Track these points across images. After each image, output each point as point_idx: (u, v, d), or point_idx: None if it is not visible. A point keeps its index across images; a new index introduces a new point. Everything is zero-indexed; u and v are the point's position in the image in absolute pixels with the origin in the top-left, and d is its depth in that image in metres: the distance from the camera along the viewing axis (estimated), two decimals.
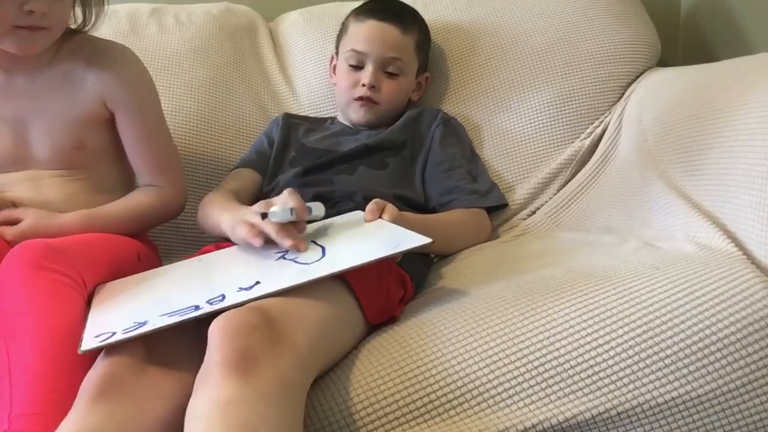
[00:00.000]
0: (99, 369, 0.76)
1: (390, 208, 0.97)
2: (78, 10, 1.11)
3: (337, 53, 1.40)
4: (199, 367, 0.70)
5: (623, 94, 1.37)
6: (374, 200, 0.98)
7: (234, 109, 1.44)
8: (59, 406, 0.74)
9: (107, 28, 1.46)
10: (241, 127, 1.44)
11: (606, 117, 1.36)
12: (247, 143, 1.41)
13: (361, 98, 1.30)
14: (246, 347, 0.67)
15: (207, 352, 0.69)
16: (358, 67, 1.31)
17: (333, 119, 1.40)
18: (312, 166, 1.24)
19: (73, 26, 1.11)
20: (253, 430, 0.63)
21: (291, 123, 1.37)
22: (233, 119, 1.44)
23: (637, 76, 1.39)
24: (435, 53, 1.44)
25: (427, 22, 1.41)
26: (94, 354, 0.80)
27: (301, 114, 1.45)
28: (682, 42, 1.67)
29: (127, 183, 1.19)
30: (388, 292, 0.92)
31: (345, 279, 0.85)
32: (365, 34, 1.31)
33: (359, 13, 1.35)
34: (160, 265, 1.16)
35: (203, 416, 0.65)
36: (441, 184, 1.25)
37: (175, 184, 1.18)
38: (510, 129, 1.38)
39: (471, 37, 1.45)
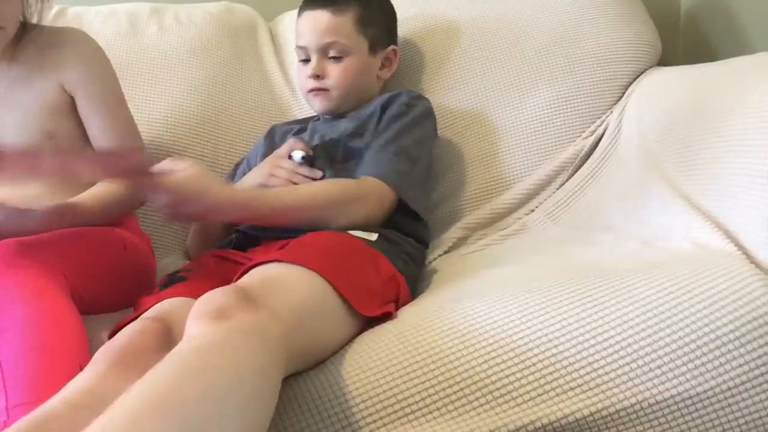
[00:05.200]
0: (121, 339, 0.79)
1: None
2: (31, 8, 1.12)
3: None
4: None
5: (624, 93, 1.37)
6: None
7: (234, 109, 1.44)
8: (54, 392, 0.75)
9: (107, 27, 1.47)
10: (241, 126, 1.44)
11: (606, 116, 1.36)
12: (247, 143, 1.41)
13: (312, 90, 1.29)
14: (221, 304, 0.69)
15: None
16: (307, 61, 1.30)
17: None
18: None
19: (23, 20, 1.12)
20: (223, 358, 0.63)
21: (276, 134, 1.34)
22: (233, 119, 1.44)
23: (638, 76, 1.39)
24: (434, 52, 1.44)
25: (426, 19, 1.40)
26: (84, 340, 0.85)
27: (292, 119, 1.42)
28: (682, 42, 1.66)
29: None
30: (365, 275, 0.92)
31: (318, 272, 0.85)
32: (302, 27, 1.30)
33: (299, 8, 1.34)
34: (153, 256, 1.17)
35: (174, 351, 0.65)
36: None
37: None
38: (510, 127, 1.37)
39: (471, 35, 1.45)
